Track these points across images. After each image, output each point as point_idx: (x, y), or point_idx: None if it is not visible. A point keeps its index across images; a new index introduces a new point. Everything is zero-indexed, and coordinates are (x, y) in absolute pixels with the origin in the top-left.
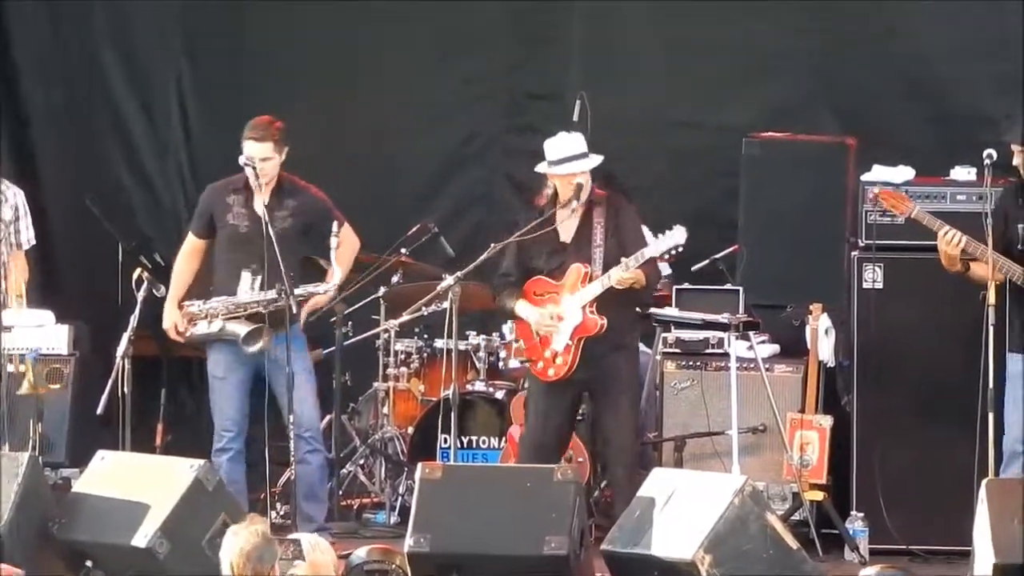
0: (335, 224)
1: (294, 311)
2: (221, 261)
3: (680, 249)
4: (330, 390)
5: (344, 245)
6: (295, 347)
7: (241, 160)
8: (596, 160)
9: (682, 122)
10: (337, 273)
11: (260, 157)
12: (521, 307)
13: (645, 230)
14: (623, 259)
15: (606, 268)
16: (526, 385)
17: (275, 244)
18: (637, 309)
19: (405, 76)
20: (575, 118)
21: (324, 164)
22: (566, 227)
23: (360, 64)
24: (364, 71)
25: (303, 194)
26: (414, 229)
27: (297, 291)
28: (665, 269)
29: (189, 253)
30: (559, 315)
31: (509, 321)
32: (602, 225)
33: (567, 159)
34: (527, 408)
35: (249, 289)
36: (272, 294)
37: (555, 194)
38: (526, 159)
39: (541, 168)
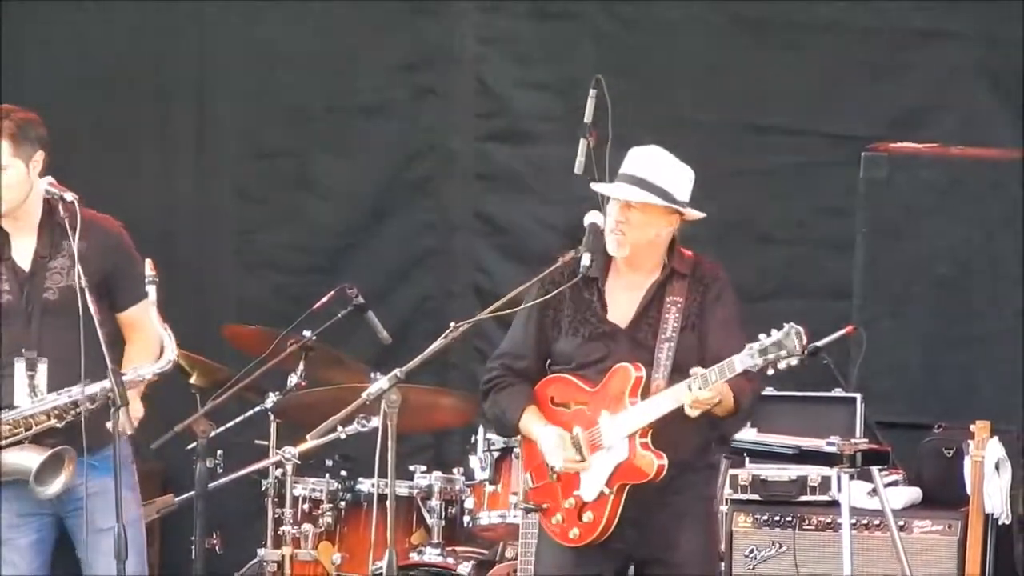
0: (148, 266)
1: (119, 415)
2: None
3: (796, 362)
4: (187, 560)
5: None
6: (101, 479)
7: (68, 195)
8: (678, 202)
9: (762, 127)
10: (170, 341)
11: None
12: (531, 423)
13: None
14: (698, 369)
15: (675, 374)
16: (531, 543)
17: (57, 311)
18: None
19: (313, 56)
20: (588, 117)
21: (169, 191)
22: (620, 296)
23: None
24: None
25: (93, 229)
26: (325, 299)
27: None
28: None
29: None
30: (593, 443)
31: (509, 439)
32: (679, 307)
33: (636, 180)
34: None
35: (28, 392)
36: (69, 396)
37: (579, 253)
38: (508, 185)
39: (602, 187)
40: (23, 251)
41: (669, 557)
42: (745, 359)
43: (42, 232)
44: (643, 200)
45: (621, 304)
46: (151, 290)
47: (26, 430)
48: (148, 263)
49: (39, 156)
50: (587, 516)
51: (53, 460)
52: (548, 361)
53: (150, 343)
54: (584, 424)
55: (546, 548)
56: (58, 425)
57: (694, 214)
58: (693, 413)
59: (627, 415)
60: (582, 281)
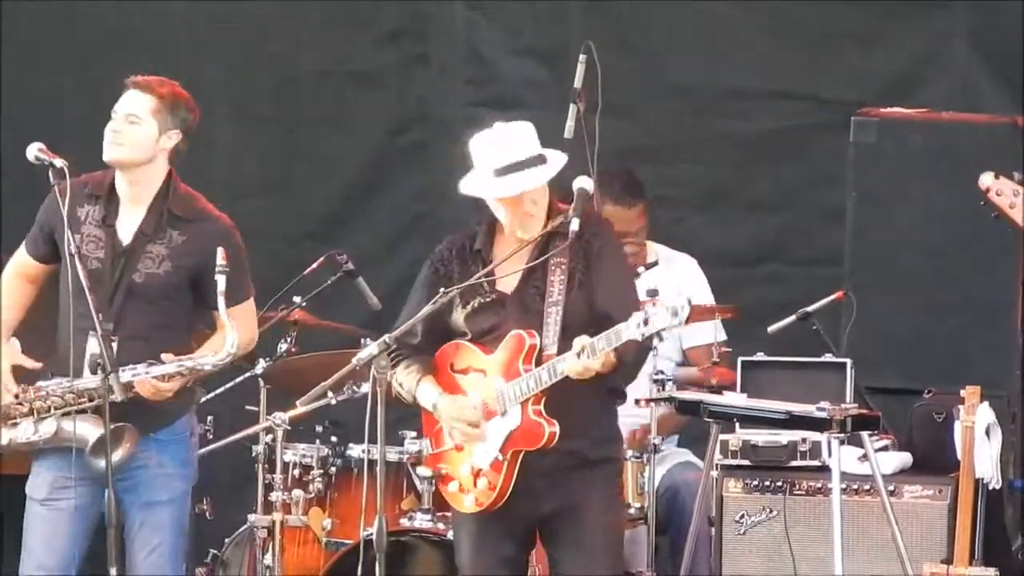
0: (220, 256)
1: (195, 397)
2: (63, 316)
3: (676, 327)
4: None
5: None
6: (166, 460)
7: (57, 161)
8: (558, 162)
9: (749, 92)
10: (231, 335)
11: (126, 112)
12: (427, 392)
13: (674, 254)
14: (584, 339)
15: (565, 337)
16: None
17: (139, 294)
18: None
19: (302, 24)
20: (578, 83)
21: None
22: (506, 265)
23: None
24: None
25: (205, 221)
26: (314, 265)
27: (166, 367)
28: (721, 333)
29: (13, 278)
30: (486, 408)
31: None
32: (564, 267)
33: (514, 167)
34: (455, 543)
35: (90, 365)
36: (133, 372)
37: (489, 222)
38: None
39: (469, 187)
40: (128, 224)
41: (571, 513)
42: (632, 330)
43: (151, 212)
44: (540, 182)
45: (508, 271)
46: (220, 280)
47: (89, 400)
48: (220, 252)
49: (176, 135)
50: (481, 483)
51: (113, 433)
52: (444, 334)
53: (224, 321)
54: (480, 389)
55: (458, 521)
56: (117, 399)
57: (559, 159)
58: (580, 377)
59: (520, 382)
60: (469, 254)
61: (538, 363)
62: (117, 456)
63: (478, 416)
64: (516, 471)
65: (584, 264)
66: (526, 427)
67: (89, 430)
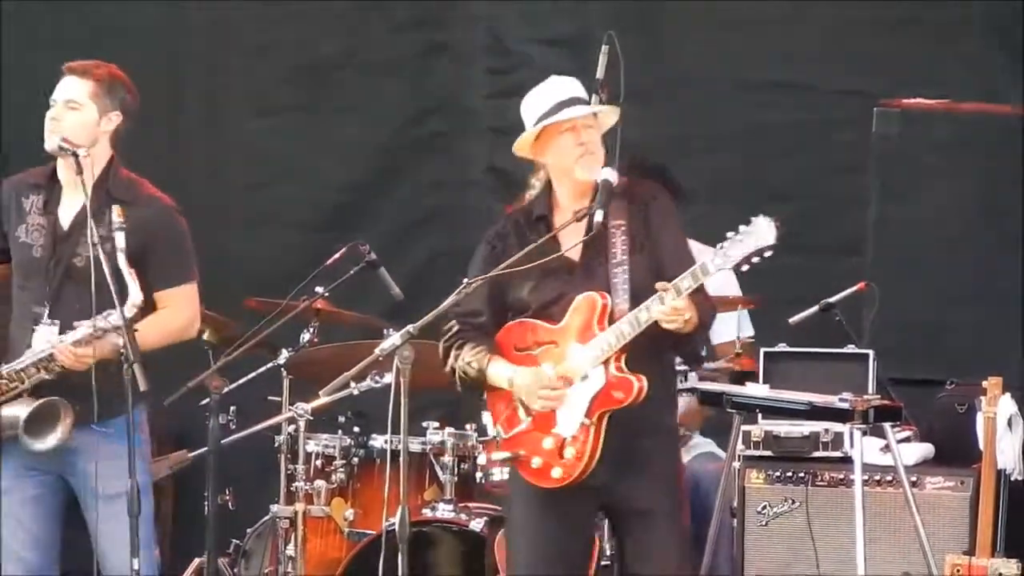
0: (116, 213)
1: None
2: (16, 303)
3: (767, 255)
4: (200, 516)
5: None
6: (111, 445)
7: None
8: (613, 110)
9: (770, 83)
10: (134, 289)
11: (65, 99)
12: (500, 369)
13: (695, 246)
14: (663, 285)
15: (636, 298)
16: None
17: (80, 278)
18: (680, 368)
19: (324, 12)
20: (600, 73)
21: (179, 150)
22: (568, 237)
23: None
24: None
25: (146, 204)
26: (337, 255)
27: (78, 330)
28: (748, 327)
29: None
30: (566, 376)
31: (480, 396)
32: (623, 230)
33: (559, 105)
34: (509, 539)
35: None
36: (51, 345)
37: (546, 189)
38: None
39: (520, 141)
40: (69, 209)
41: (643, 496)
42: (718, 259)
43: (91, 196)
44: (590, 112)
45: (568, 238)
46: (119, 236)
47: (20, 383)
48: (116, 209)
49: (116, 116)
50: (568, 452)
51: (46, 413)
52: (507, 313)
53: (165, 319)
54: (554, 360)
55: (521, 494)
56: (47, 377)
57: (614, 109)
58: (671, 325)
59: (598, 342)
60: (527, 224)
61: (611, 322)
62: (58, 434)
63: (557, 382)
64: (603, 434)
65: (644, 229)
66: (612, 384)
67: (20, 410)
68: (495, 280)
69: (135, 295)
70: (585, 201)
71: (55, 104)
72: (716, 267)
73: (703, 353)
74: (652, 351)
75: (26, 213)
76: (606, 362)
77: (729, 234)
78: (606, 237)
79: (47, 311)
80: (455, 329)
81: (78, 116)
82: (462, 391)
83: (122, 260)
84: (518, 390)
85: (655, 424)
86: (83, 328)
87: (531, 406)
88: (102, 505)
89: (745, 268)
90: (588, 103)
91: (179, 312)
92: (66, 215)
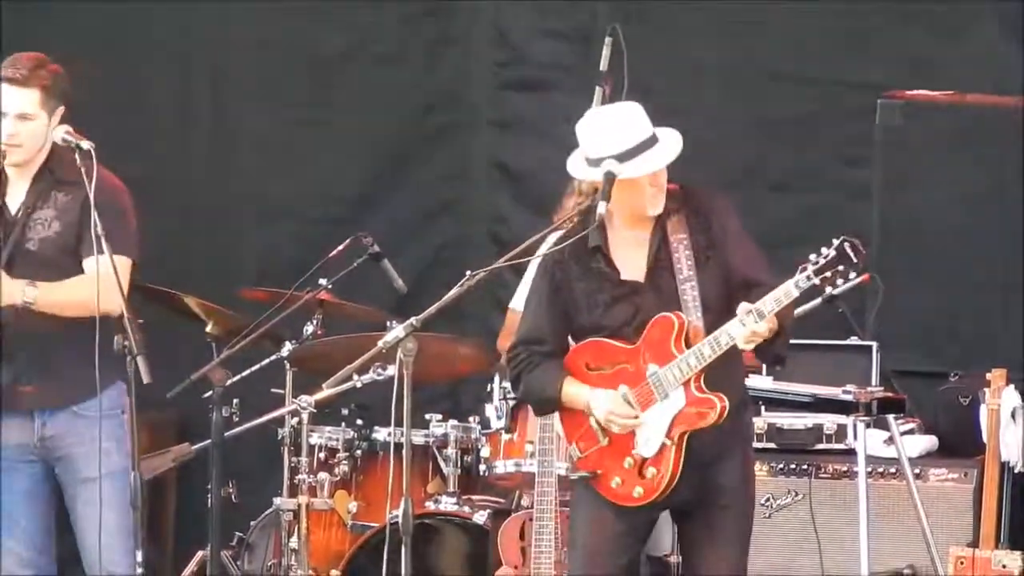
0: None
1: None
2: None
3: (852, 277)
4: (203, 510)
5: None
6: (88, 429)
7: (84, 143)
8: (676, 142)
9: (775, 75)
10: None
11: (17, 113)
12: (574, 390)
13: None
14: (746, 305)
15: (708, 311)
16: (571, 497)
17: (35, 261)
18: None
19: (329, 4)
20: (603, 66)
21: (186, 143)
22: (626, 254)
23: None
24: None
25: (91, 184)
26: (340, 248)
27: None
28: None
29: None
30: (643, 398)
31: (545, 416)
32: (685, 243)
33: (637, 148)
34: (570, 540)
35: None
36: None
37: (595, 202)
38: (526, 134)
39: (581, 171)
40: (16, 198)
41: (714, 498)
42: (802, 281)
43: (36, 181)
44: (667, 162)
45: (630, 260)
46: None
47: None
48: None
49: (60, 110)
50: (650, 472)
51: None
52: (570, 338)
53: (70, 286)
54: (630, 382)
55: (589, 502)
56: None
57: (677, 140)
58: (748, 347)
59: (680, 362)
60: (585, 251)
61: (687, 341)
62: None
63: (635, 408)
64: (684, 454)
65: (707, 238)
66: (693, 405)
67: None
68: (561, 308)
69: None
70: (642, 225)
71: (6, 118)
72: (799, 289)
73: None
74: (727, 367)
75: None
76: (686, 383)
77: (812, 256)
78: (669, 252)
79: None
80: (521, 357)
81: (33, 126)
82: (537, 414)
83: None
84: (595, 412)
85: (734, 438)
86: None
87: (610, 429)
88: (81, 488)
89: (829, 290)
90: (653, 137)
91: (86, 283)
92: (14, 201)
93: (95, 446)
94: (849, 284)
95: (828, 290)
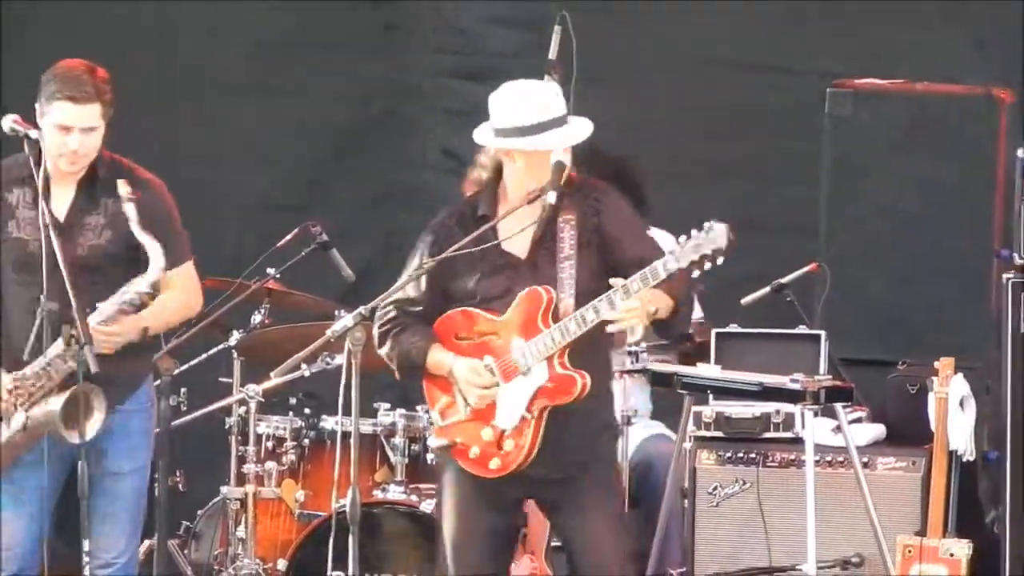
0: (122, 184)
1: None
2: (12, 298)
3: (720, 261)
4: (149, 499)
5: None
6: (132, 431)
7: (32, 132)
8: (587, 128)
9: (724, 63)
10: (155, 250)
11: (83, 127)
12: (439, 356)
13: (661, 235)
14: (620, 280)
15: (581, 294)
16: (437, 479)
17: (85, 268)
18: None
19: None
20: (553, 54)
21: (131, 128)
22: (513, 229)
23: None
24: None
25: (137, 185)
26: (288, 237)
27: (104, 306)
28: (697, 310)
29: None
30: (507, 370)
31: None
32: (572, 225)
33: (543, 125)
34: (438, 519)
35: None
36: (47, 359)
37: (495, 176)
38: (477, 122)
39: (486, 138)
40: (61, 200)
41: (585, 490)
42: (669, 263)
43: (82, 185)
44: (571, 143)
45: (516, 235)
46: (129, 208)
47: (48, 380)
48: (121, 183)
49: (109, 115)
50: (508, 444)
51: (77, 402)
52: (445, 303)
53: (171, 300)
54: (496, 353)
55: (454, 477)
56: (74, 366)
57: (587, 126)
58: (619, 327)
59: (543, 338)
60: (471, 221)
61: (555, 318)
62: (96, 422)
63: (495, 379)
64: (543, 428)
65: (593, 224)
66: (555, 381)
67: (54, 402)
68: (435, 270)
69: (158, 259)
70: (535, 204)
71: (72, 132)
72: (667, 270)
73: (688, 331)
74: (592, 347)
75: (14, 208)
76: (549, 358)
77: (681, 238)
78: (555, 232)
79: (57, 306)
80: (391, 315)
81: (95, 137)
82: (400, 376)
83: (137, 230)
84: (457, 381)
85: (593, 419)
86: (107, 305)
87: (468, 400)
88: (109, 481)
89: (696, 273)
90: (564, 118)
91: (183, 292)
92: (59, 206)
93: (127, 442)
94: (798, 274)
95: (696, 272)
